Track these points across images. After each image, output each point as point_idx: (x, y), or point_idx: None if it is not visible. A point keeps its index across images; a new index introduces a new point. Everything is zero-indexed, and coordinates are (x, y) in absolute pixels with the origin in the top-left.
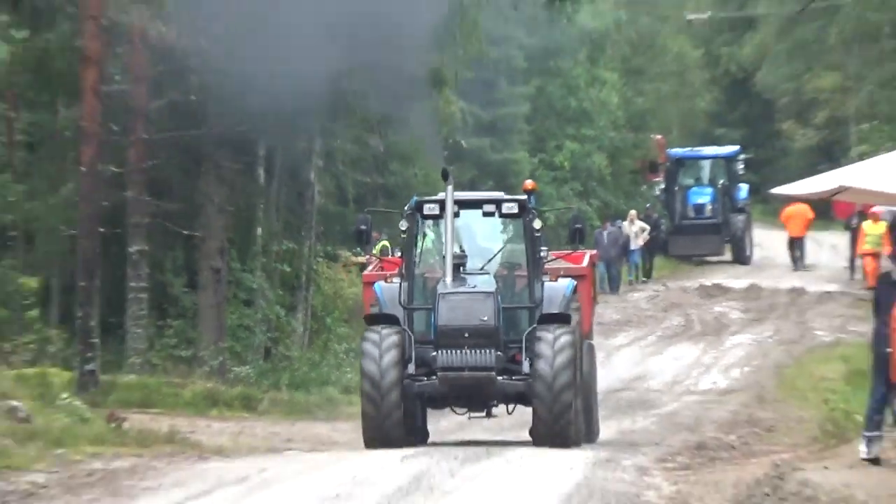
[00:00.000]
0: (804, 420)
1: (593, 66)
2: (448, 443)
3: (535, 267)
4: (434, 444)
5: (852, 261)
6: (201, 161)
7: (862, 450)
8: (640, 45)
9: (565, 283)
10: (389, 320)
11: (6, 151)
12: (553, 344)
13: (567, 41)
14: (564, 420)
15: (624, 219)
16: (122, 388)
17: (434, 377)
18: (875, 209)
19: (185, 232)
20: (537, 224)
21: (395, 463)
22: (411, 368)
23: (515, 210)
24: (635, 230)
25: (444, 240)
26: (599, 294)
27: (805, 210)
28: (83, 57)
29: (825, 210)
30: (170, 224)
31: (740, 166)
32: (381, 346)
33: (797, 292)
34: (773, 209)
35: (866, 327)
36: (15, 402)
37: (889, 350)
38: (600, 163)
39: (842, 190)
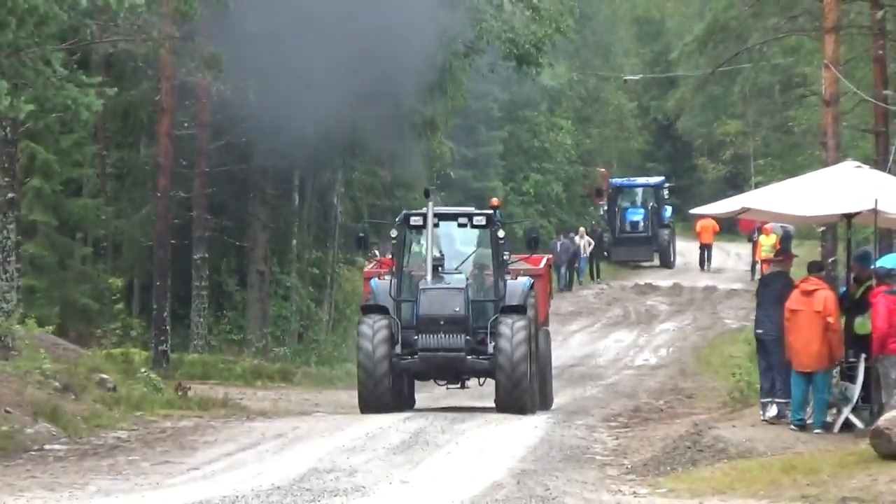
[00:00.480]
0: (716, 389)
1: (552, 114)
2: (433, 409)
3: (499, 268)
4: (420, 410)
5: (753, 265)
6: (249, 188)
7: (760, 412)
8: (588, 99)
9: (523, 281)
10: (381, 310)
11: (100, 181)
12: (512, 328)
13: (531, 95)
14: (521, 389)
15: (576, 233)
16: (187, 365)
17: (416, 356)
18: (767, 225)
19: (237, 243)
20: (501, 233)
21: (399, 422)
22: (398, 349)
23: (483, 222)
24: (584, 243)
25: (425, 245)
26: (556, 291)
27: (713, 224)
28: (159, 108)
29: (731, 226)
30: (225, 237)
31: (665, 192)
32: (374, 330)
33: (710, 290)
34: (690, 226)
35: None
36: (104, 375)
37: (759, 332)
38: (557, 189)
39: (744, 210)
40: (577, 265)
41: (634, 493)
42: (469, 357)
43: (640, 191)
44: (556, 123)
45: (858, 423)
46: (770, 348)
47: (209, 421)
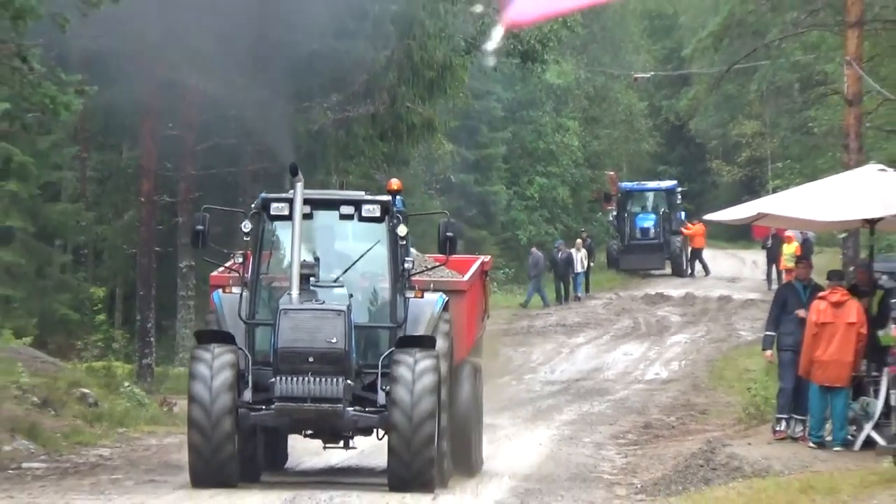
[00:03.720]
0: (731, 404)
1: (558, 115)
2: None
3: (398, 280)
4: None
5: (769, 274)
6: (238, 193)
7: (776, 427)
8: (596, 98)
9: (434, 299)
10: (225, 338)
11: (79, 185)
12: (413, 370)
13: (536, 95)
14: (425, 462)
15: (564, 243)
16: (172, 378)
17: (273, 406)
18: (787, 233)
19: (224, 250)
20: (402, 230)
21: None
22: (248, 395)
23: (377, 213)
24: (581, 256)
25: (290, 245)
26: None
27: (701, 228)
28: (142, 108)
29: (746, 233)
30: (212, 243)
31: (678, 197)
32: (213, 370)
33: (725, 299)
34: (708, 234)
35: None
36: (85, 390)
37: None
38: (564, 194)
39: (761, 216)
40: (571, 277)
41: None
42: (350, 409)
43: (650, 195)
44: (563, 124)
45: (880, 441)
46: (788, 361)
47: None
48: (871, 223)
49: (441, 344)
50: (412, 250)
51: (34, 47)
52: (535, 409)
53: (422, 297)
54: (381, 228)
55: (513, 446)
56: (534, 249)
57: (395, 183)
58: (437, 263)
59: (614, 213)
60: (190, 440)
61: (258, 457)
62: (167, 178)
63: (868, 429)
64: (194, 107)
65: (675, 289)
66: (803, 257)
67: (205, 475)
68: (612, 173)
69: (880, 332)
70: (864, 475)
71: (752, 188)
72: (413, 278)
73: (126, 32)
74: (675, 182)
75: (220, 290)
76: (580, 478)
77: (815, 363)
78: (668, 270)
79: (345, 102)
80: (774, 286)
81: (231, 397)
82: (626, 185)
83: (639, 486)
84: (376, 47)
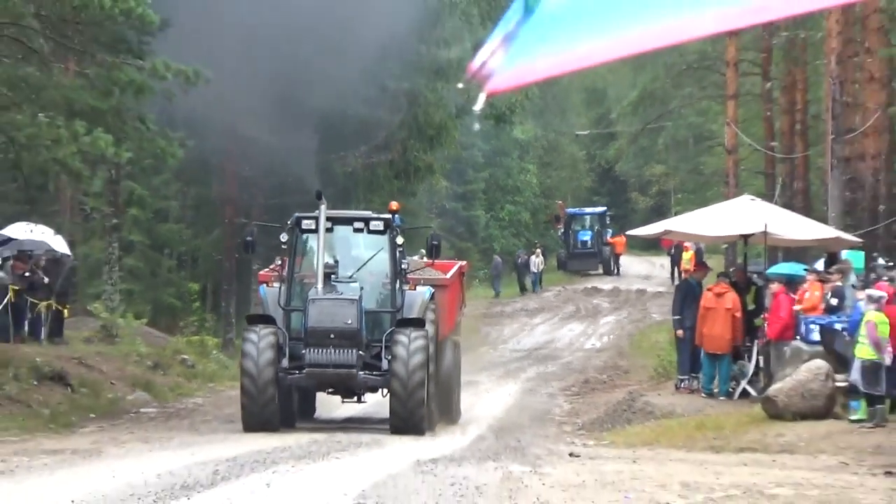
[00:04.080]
0: (645, 367)
1: (522, 160)
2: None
3: (397, 277)
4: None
5: (672, 273)
6: (290, 214)
7: (677, 384)
8: (549, 148)
9: (423, 291)
10: (268, 320)
11: (181, 210)
12: (408, 346)
13: (506, 146)
14: (417, 415)
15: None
16: None
17: (304, 371)
18: (686, 244)
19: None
20: (399, 240)
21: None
22: (285, 363)
23: (381, 227)
24: (538, 261)
25: (317, 251)
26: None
27: (622, 240)
28: (225, 156)
29: (656, 244)
30: (273, 254)
31: (607, 219)
32: (259, 342)
33: (641, 292)
34: (628, 245)
35: None
36: (185, 356)
37: (679, 331)
38: (526, 217)
39: (667, 232)
40: (528, 276)
41: (584, 444)
42: (362, 373)
43: (588, 217)
44: (525, 167)
45: (752, 392)
46: (687, 336)
47: None
48: (745, 237)
49: (428, 325)
50: (408, 258)
51: (150, 113)
52: (506, 370)
53: (414, 289)
54: (384, 239)
55: (489, 397)
56: (496, 257)
57: (394, 205)
58: (426, 265)
59: (562, 230)
60: (242, 402)
61: (293, 409)
62: (243, 205)
63: (744, 384)
64: (261, 154)
65: (605, 284)
66: (699, 262)
67: (252, 421)
68: (560, 202)
69: (756, 320)
70: (740, 417)
71: (660, 212)
72: (408, 276)
73: (212, 102)
74: (605, 208)
75: (265, 285)
76: (538, 419)
77: (705, 336)
78: (601, 271)
79: (370, 152)
80: (676, 282)
81: (273, 370)
82: (571, 210)
83: (580, 424)
84: (392, 112)
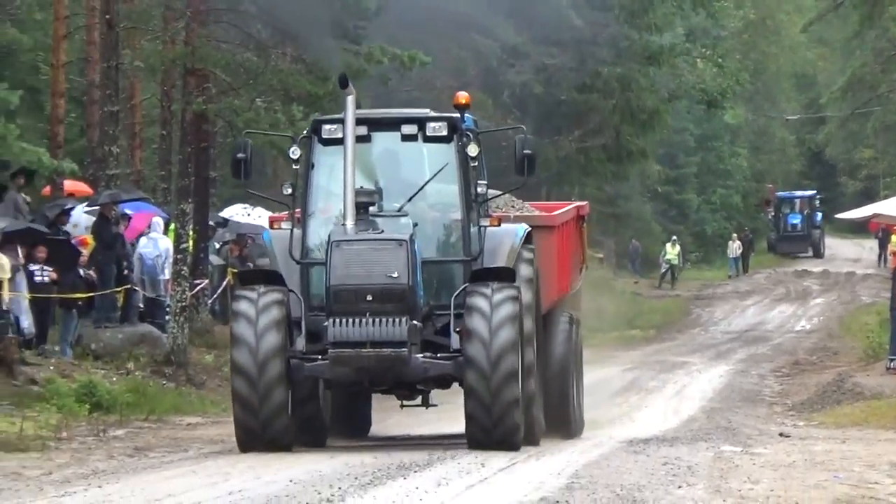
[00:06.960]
0: (855, 348)
1: (733, 144)
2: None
3: (471, 207)
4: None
5: (880, 256)
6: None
7: (888, 365)
8: (759, 133)
9: (514, 228)
10: (270, 279)
11: None
12: (491, 298)
13: (718, 131)
14: (508, 423)
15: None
16: None
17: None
18: (894, 226)
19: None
20: (473, 150)
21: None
22: (301, 343)
23: (444, 132)
24: (735, 246)
25: (345, 171)
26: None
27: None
28: None
29: (864, 227)
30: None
31: (817, 202)
32: (258, 310)
33: (850, 274)
34: (835, 227)
35: (888, 294)
36: None
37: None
38: (737, 200)
39: (875, 215)
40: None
41: (794, 425)
42: (419, 356)
43: (798, 201)
44: (736, 151)
45: None
46: None
47: None
48: None
49: (522, 283)
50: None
51: (367, 96)
52: (717, 351)
53: (498, 225)
54: (450, 149)
55: (702, 377)
56: (633, 241)
57: (462, 96)
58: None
59: (772, 213)
60: (234, 393)
61: (322, 418)
62: None
63: None
64: None
65: (815, 267)
66: None
67: (248, 436)
68: (770, 185)
69: None
70: None
71: (869, 196)
72: (491, 209)
73: (421, 86)
74: (814, 192)
75: (269, 228)
76: (749, 399)
77: None
78: (811, 253)
79: (584, 136)
80: (886, 265)
81: (281, 361)
82: (781, 193)
83: (790, 405)
84: (606, 98)
